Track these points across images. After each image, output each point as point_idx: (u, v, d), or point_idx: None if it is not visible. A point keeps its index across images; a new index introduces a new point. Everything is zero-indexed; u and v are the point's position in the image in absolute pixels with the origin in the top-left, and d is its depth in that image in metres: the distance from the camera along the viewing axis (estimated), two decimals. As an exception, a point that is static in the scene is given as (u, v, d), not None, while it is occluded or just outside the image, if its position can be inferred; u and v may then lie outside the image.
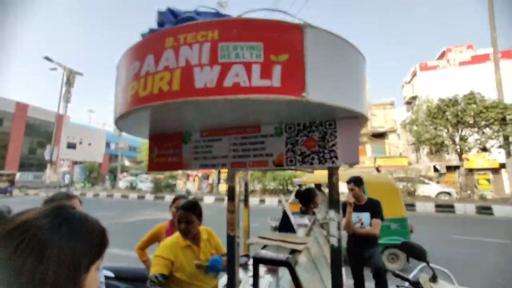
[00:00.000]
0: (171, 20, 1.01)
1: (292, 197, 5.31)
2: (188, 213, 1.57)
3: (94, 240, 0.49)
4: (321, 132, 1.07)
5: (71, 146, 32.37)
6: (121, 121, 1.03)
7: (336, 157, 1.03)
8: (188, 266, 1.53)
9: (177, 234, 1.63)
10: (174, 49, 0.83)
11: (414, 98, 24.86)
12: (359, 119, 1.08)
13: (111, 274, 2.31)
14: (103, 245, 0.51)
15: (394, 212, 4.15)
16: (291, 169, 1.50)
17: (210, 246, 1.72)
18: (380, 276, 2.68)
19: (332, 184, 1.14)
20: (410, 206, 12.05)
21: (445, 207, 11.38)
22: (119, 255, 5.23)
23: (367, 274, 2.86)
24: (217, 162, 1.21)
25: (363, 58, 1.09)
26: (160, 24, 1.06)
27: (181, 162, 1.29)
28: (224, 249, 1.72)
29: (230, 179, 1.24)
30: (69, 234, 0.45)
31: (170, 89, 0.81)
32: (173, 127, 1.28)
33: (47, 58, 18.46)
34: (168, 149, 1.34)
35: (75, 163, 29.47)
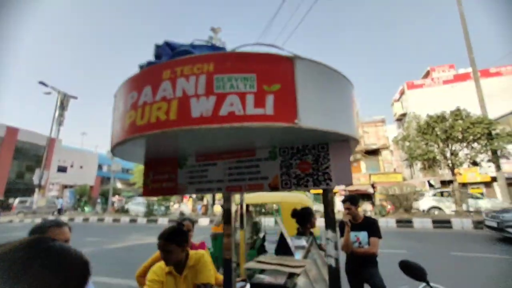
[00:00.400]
0: (168, 53, 1.07)
1: (218, 218, 5.47)
2: (165, 243, 1.52)
3: (71, 274, 0.47)
4: (314, 155, 1.11)
5: (62, 169, 31.61)
6: (117, 148, 1.05)
7: (330, 179, 1.06)
8: None
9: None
10: (171, 80, 0.88)
11: (404, 115, 25.67)
12: (350, 141, 1.12)
13: None
14: (82, 280, 0.49)
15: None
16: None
17: (196, 274, 1.63)
18: (381, 298, 2.60)
19: (328, 204, 1.15)
20: (407, 223, 11.97)
21: (442, 223, 11.33)
22: (108, 284, 4.92)
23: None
24: (212, 186, 1.21)
25: (351, 85, 1.16)
26: (158, 56, 1.12)
27: (176, 186, 1.30)
28: (208, 278, 1.61)
29: (226, 202, 1.25)
30: (44, 268, 0.44)
31: (168, 118, 0.84)
32: (169, 153, 1.30)
33: (42, 83, 18.55)
34: (164, 174, 1.34)
35: (65, 187, 28.59)
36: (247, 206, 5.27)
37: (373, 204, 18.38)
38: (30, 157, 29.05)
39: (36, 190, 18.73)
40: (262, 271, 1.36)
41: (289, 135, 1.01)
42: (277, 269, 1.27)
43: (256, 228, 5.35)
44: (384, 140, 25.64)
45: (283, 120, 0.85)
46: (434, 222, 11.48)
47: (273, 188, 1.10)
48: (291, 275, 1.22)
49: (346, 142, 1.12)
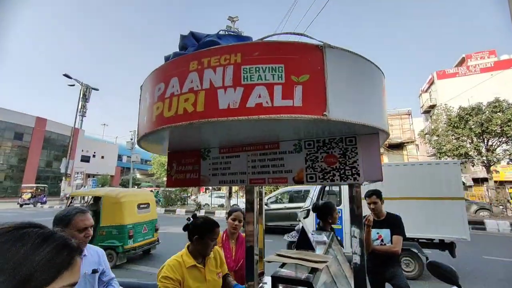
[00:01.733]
0: (194, 43, 1.07)
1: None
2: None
3: (44, 260, 0.47)
4: (342, 149, 1.06)
5: (85, 159, 32.84)
6: (144, 139, 1.08)
7: (358, 174, 1.01)
8: (194, 286, 1.50)
9: (181, 253, 1.59)
10: (198, 71, 0.87)
11: (432, 107, 24.09)
12: (380, 134, 1.06)
13: None
14: (58, 267, 0.48)
15: (115, 221, 5.28)
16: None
17: (216, 264, 1.66)
18: (404, 298, 2.51)
19: (354, 200, 1.11)
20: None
21: (474, 224, 10.60)
22: (131, 270, 5.27)
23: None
24: (236, 178, 1.22)
25: (382, 74, 1.09)
26: (183, 47, 1.12)
27: (199, 178, 1.32)
28: (226, 268, 1.66)
29: (249, 194, 1.24)
30: (19, 251, 0.45)
31: (195, 110, 0.84)
32: (192, 145, 1.31)
33: (66, 75, 19.24)
34: (187, 166, 1.37)
35: (88, 176, 30.03)
36: (99, 198, 5.94)
37: (395, 200, 17.65)
38: (57, 146, 30.83)
39: (63, 178, 19.89)
40: (283, 265, 1.36)
41: (316, 127, 0.97)
42: (299, 263, 1.26)
43: (95, 217, 5.97)
44: (409, 134, 24.37)
45: (312, 112, 0.81)
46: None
47: (298, 182, 1.08)
48: (313, 270, 1.20)
49: (376, 135, 1.06)
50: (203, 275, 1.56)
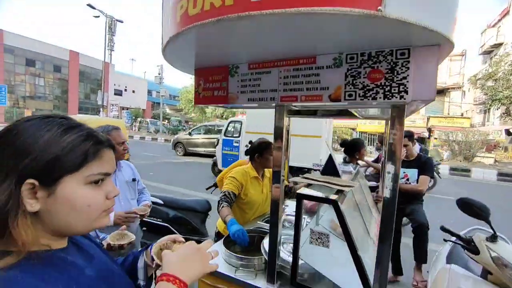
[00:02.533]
0: None
1: None
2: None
3: (70, 145, 0.47)
4: (390, 63, 0.91)
5: (118, 93, 34.35)
6: (169, 46, 1.00)
7: (406, 92, 0.89)
8: (253, 192, 1.86)
9: (248, 165, 1.93)
10: (227, -46, 0.71)
11: (497, 46, 20.19)
12: (441, 46, 0.87)
13: (160, 202, 2.72)
14: (84, 154, 0.48)
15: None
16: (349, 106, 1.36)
17: (270, 184, 1.96)
18: (420, 232, 2.62)
19: (394, 128, 1.01)
20: (464, 172, 11.00)
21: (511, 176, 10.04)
22: (165, 189, 6.17)
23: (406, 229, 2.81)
24: (265, 96, 1.15)
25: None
26: None
27: (227, 96, 1.28)
28: None
29: (278, 120, 1.20)
30: (45, 134, 0.46)
31: (223, 4, 0.73)
32: (219, 59, 1.23)
33: (90, 6, 18.55)
34: (214, 83, 1.32)
35: (122, 108, 31.95)
36: None
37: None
38: (91, 80, 32.13)
39: (101, 110, 21.52)
40: (308, 186, 1.40)
41: (364, 33, 0.81)
42: (324, 185, 1.28)
43: None
44: (457, 78, 21.47)
45: (364, 5, 0.66)
46: (500, 174, 10.26)
47: (334, 100, 0.99)
48: (338, 192, 1.22)
49: (436, 48, 0.87)
50: (261, 187, 1.92)
